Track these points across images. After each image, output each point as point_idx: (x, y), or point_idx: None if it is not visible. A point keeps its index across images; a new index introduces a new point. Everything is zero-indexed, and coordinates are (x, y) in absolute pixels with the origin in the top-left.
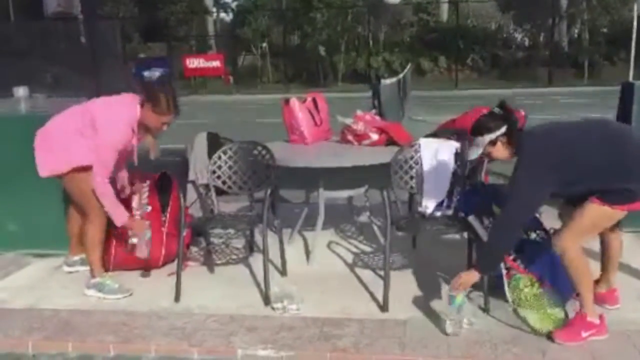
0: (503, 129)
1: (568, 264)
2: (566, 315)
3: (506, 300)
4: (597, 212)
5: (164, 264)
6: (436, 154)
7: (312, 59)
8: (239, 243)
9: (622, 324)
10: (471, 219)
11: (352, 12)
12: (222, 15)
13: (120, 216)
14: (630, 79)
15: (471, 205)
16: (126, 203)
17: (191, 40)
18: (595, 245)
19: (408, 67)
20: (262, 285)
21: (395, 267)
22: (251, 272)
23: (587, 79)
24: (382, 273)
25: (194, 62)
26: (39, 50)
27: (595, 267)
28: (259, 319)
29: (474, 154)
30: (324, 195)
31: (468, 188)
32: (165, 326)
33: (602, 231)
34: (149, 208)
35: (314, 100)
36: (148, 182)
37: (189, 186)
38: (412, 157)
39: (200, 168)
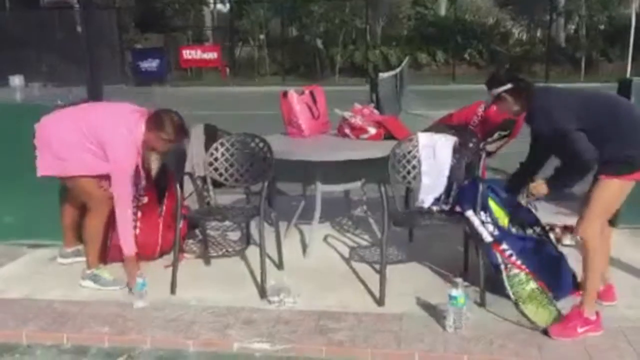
0: (509, 85)
1: (586, 253)
2: (559, 313)
3: (502, 296)
4: (607, 187)
5: (160, 256)
6: (434, 148)
7: (310, 52)
8: (236, 236)
9: (617, 320)
10: (469, 214)
11: (349, 5)
12: (220, 6)
13: (130, 247)
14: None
15: (468, 200)
16: None
17: (188, 31)
18: None
19: (405, 61)
20: (259, 278)
21: (392, 262)
22: (247, 265)
23: (584, 76)
24: (378, 267)
25: (191, 53)
26: (34, 39)
27: None
28: (255, 312)
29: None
30: (320, 189)
31: (465, 183)
32: (161, 318)
33: None
34: (146, 199)
35: (312, 93)
36: (144, 173)
37: (186, 178)
38: (409, 152)
39: (197, 160)
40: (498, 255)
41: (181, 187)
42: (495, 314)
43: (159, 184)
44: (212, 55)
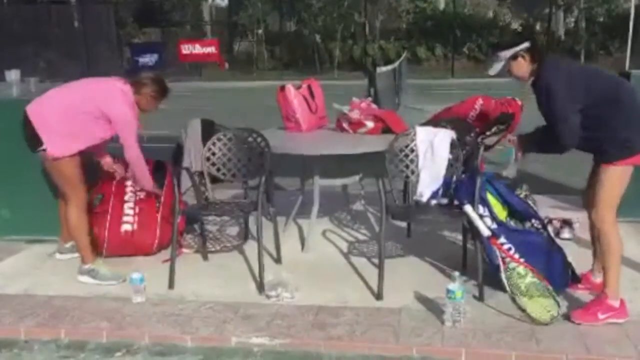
0: (526, 44)
1: (602, 237)
2: (559, 306)
3: (500, 290)
4: (610, 175)
5: (158, 251)
6: (432, 142)
7: (309, 46)
8: (234, 231)
9: None
10: (467, 207)
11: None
12: (218, 1)
13: (149, 183)
14: (627, 68)
15: (467, 194)
16: (120, 188)
17: (186, 26)
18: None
19: (404, 55)
20: (257, 273)
21: (390, 256)
22: (245, 259)
23: None
24: (376, 261)
25: (189, 48)
26: (32, 34)
27: (588, 260)
28: (253, 306)
29: (494, 69)
30: (319, 183)
31: (464, 176)
32: (159, 313)
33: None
34: (143, 194)
35: (310, 87)
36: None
37: (184, 173)
38: (407, 146)
39: (194, 155)
40: (496, 249)
41: (179, 182)
42: (494, 307)
43: (156, 179)
44: (210, 49)
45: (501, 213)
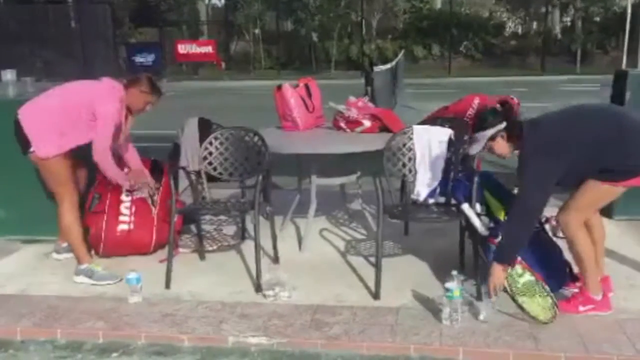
0: (503, 125)
1: (569, 239)
2: (556, 305)
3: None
4: (597, 190)
5: (155, 250)
6: (429, 141)
7: (305, 45)
8: (231, 230)
9: (614, 312)
10: (464, 206)
11: None
12: (214, 0)
13: (122, 179)
14: (623, 67)
15: (464, 193)
16: (117, 188)
17: (183, 26)
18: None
19: (401, 54)
20: (254, 273)
21: (388, 255)
22: (242, 259)
23: (580, 67)
24: (374, 260)
25: (186, 48)
26: (28, 34)
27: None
28: (251, 306)
29: (475, 149)
30: (316, 182)
31: (461, 175)
32: (156, 313)
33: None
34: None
35: (307, 86)
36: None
37: (180, 172)
38: (404, 144)
39: (191, 154)
40: (494, 247)
41: (175, 181)
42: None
43: (153, 178)
44: (207, 49)
45: (499, 212)
